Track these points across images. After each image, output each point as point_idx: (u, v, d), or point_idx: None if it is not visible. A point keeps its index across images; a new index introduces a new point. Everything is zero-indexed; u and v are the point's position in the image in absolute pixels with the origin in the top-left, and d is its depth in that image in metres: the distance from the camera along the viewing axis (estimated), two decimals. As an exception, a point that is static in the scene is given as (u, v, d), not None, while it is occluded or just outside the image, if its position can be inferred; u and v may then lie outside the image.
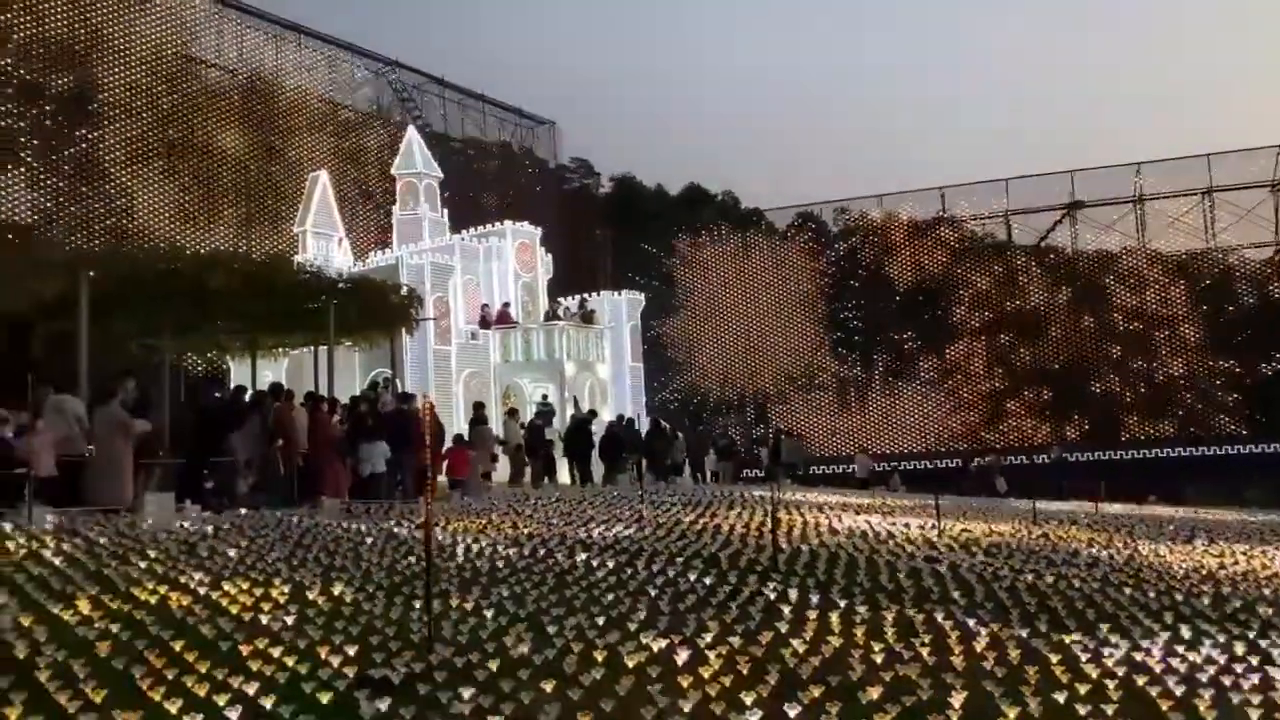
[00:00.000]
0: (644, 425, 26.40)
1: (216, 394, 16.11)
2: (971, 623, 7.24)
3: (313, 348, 21.59)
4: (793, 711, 4.92)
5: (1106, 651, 6.47)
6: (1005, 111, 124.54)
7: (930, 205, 48.85)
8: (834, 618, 7.22)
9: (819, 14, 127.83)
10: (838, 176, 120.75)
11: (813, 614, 7.35)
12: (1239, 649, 6.65)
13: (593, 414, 25.02)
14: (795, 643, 6.41)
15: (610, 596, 7.87)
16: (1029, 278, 46.77)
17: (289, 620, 6.86)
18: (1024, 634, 6.96)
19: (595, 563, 9.37)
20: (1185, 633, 7.21)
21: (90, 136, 30.53)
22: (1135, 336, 44.46)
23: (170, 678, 5.43)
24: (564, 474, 23.37)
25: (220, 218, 33.98)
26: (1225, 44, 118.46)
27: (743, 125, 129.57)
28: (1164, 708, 5.18)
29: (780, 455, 29.85)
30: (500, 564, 9.16)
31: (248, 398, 16.52)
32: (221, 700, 5.00)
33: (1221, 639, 6.99)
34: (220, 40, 37.31)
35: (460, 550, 9.86)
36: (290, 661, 5.80)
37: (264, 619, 6.90)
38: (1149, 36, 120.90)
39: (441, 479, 18.76)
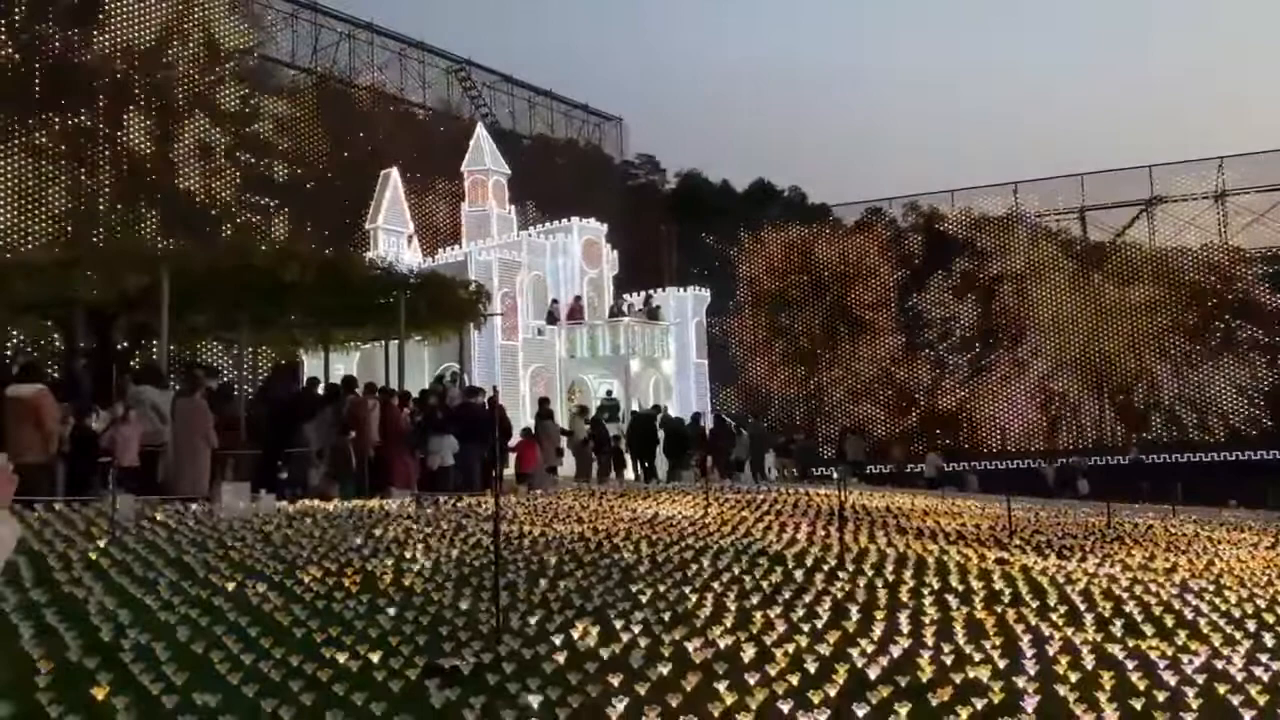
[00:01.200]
0: (708, 422, 26.36)
1: (288, 386, 16.49)
2: (1044, 626, 7.11)
3: (383, 342, 21.95)
4: (861, 711, 4.88)
5: (1185, 659, 6.30)
6: (1081, 106, 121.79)
7: (1004, 201, 47.99)
8: (902, 618, 7.14)
9: (886, 9, 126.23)
10: (907, 173, 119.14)
11: (880, 614, 7.28)
12: (1326, 659, 6.43)
13: (657, 409, 25.06)
14: (863, 642, 6.36)
15: (676, 592, 7.87)
16: (1108, 274, 45.65)
17: (360, 609, 6.99)
18: (1098, 639, 6.82)
19: (660, 558, 9.38)
20: (1269, 640, 6.99)
21: (169, 134, 31.38)
22: (1218, 335, 43.18)
23: (247, 663, 5.57)
24: (629, 470, 23.43)
25: (293, 213, 34.72)
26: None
27: (810, 121, 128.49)
28: (1247, 717, 5.03)
29: (846, 453, 29.59)
30: (566, 557, 9.22)
31: (321, 390, 16.88)
32: (295, 686, 5.11)
33: (1307, 648, 6.76)
34: (295, 39, 38.10)
35: (527, 543, 9.95)
36: (362, 650, 5.91)
37: (336, 607, 7.04)
38: (1230, 28, 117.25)
39: (509, 473, 18.96)
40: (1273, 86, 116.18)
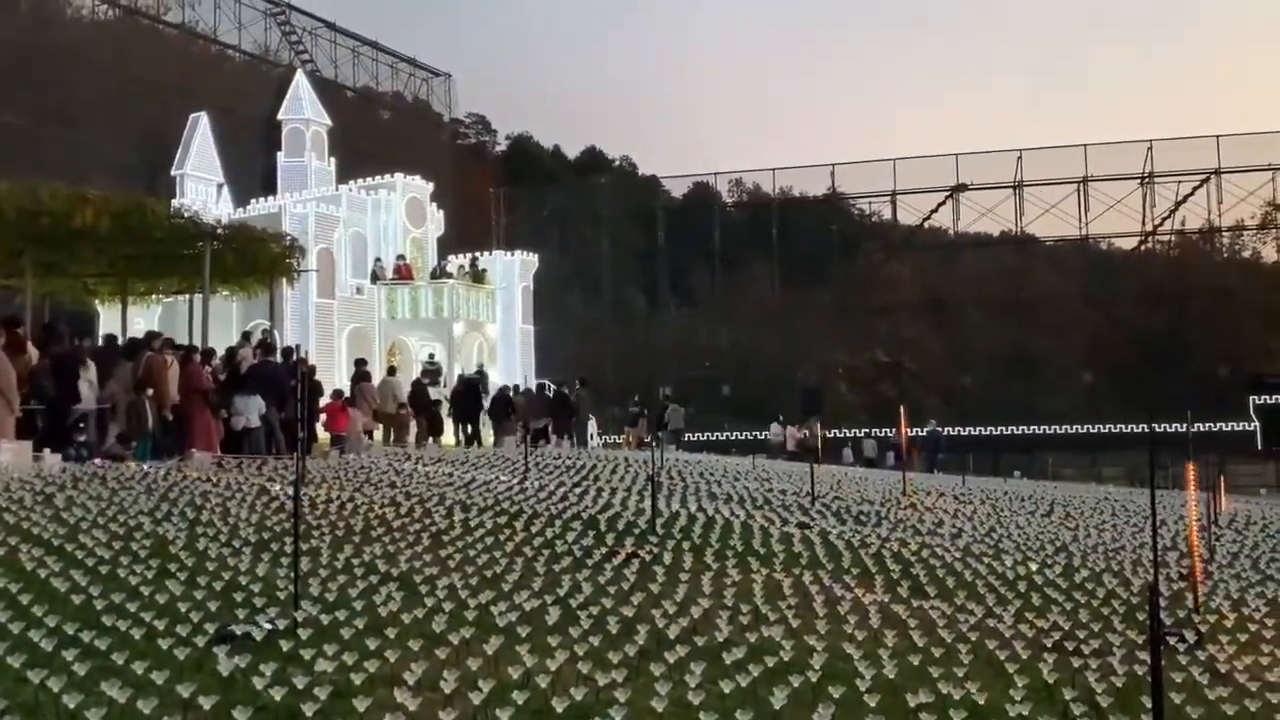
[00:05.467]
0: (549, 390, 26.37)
1: (58, 335, 15.05)
2: (837, 587, 7.46)
3: (187, 295, 20.80)
4: (658, 670, 4.99)
5: (962, 618, 6.74)
6: (893, 92, 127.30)
7: (821, 182, 49.73)
8: (705, 580, 7.35)
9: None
10: (733, 148, 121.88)
11: (685, 576, 7.47)
12: (1083, 616, 7.02)
13: (481, 374, 24.83)
14: (666, 604, 6.51)
15: (486, 557, 7.84)
16: (913, 259, 48.16)
17: (149, 575, 6.65)
18: (886, 599, 7.21)
19: (473, 523, 9.32)
20: (1036, 600, 7.57)
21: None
22: (1011, 316, 46.31)
23: (15, 631, 5.20)
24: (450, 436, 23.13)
25: (91, 156, 32.30)
26: (1102, 40, 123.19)
27: (643, 91, 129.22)
28: (1010, 670, 5.42)
29: (666, 422, 30.08)
30: (375, 522, 9.03)
31: (119, 343, 15.86)
32: (69, 655, 4.81)
33: (1068, 607, 7.36)
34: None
35: (334, 508, 9.69)
36: (147, 617, 5.62)
37: (121, 573, 6.67)
38: (1031, 30, 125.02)
39: (322, 435, 18.38)
40: (1065, 85, 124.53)
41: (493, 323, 29.04)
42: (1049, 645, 6.13)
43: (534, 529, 9.23)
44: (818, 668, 5.22)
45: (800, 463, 25.45)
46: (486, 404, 23.45)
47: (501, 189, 52.34)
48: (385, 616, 5.89)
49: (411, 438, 21.23)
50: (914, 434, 35.55)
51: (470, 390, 23.02)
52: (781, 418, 35.76)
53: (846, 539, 9.76)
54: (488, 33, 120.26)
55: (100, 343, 17.56)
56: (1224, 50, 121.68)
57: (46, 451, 12.23)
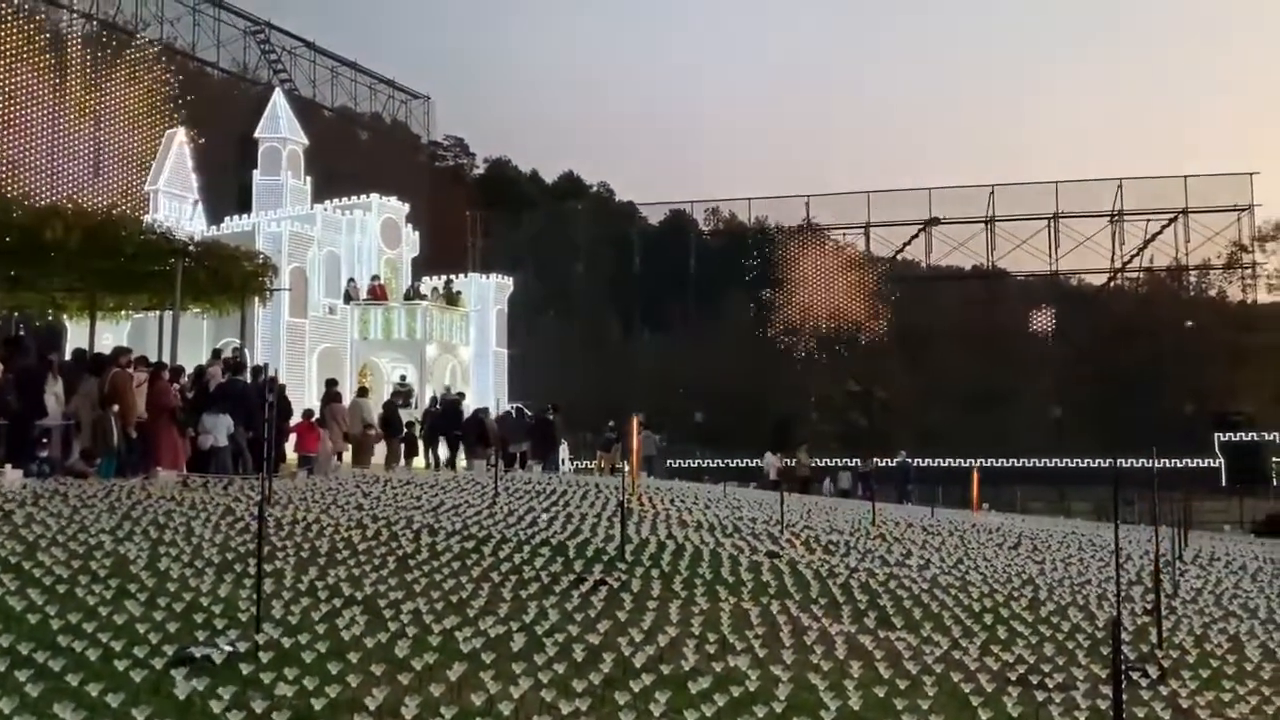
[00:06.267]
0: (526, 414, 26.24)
1: (24, 349, 14.79)
2: (804, 617, 7.46)
3: (158, 312, 20.60)
4: (622, 699, 4.96)
5: (927, 649, 6.75)
6: (868, 126, 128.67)
7: (796, 213, 50.12)
8: (673, 608, 7.32)
9: (710, 12, 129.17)
10: (709, 177, 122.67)
11: (653, 604, 7.44)
12: (1048, 650, 7.05)
13: (461, 396, 24.74)
14: (633, 631, 6.47)
15: (452, 582, 7.77)
16: (887, 293, 48.55)
17: (108, 595, 6.54)
18: (852, 629, 7.21)
19: (440, 547, 9.24)
20: (1001, 633, 7.59)
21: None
22: (977, 349, 46.73)
23: (-33, 651, 5.10)
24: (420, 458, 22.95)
25: (66, 170, 32.08)
26: (1073, 79, 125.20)
27: (621, 118, 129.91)
28: (974, 703, 5.43)
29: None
30: (340, 545, 8.94)
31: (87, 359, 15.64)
32: (22, 676, 4.71)
33: (1033, 640, 7.38)
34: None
35: (299, 530, 9.58)
36: (105, 637, 5.52)
37: (80, 592, 6.56)
38: (1004, 68, 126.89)
39: (290, 456, 18.22)
40: (1037, 123, 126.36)
41: (466, 345, 28.96)
42: (1013, 679, 6.14)
43: (502, 554, 9.17)
44: (783, 698, 5.20)
45: (774, 492, 25.41)
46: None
47: (478, 212, 52.36)
48: (348, 640, 5.82)
49: (379, 459, 21.06)
50: (884, 464, 35.76)
51: (450, 412, 22.90)
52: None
53: (815, 568, 9.76)
54: (467, 56, 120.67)
55: (68, 358, 17.36)
56: (1194, 93, 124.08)
57: (8, 467, 12.03)
